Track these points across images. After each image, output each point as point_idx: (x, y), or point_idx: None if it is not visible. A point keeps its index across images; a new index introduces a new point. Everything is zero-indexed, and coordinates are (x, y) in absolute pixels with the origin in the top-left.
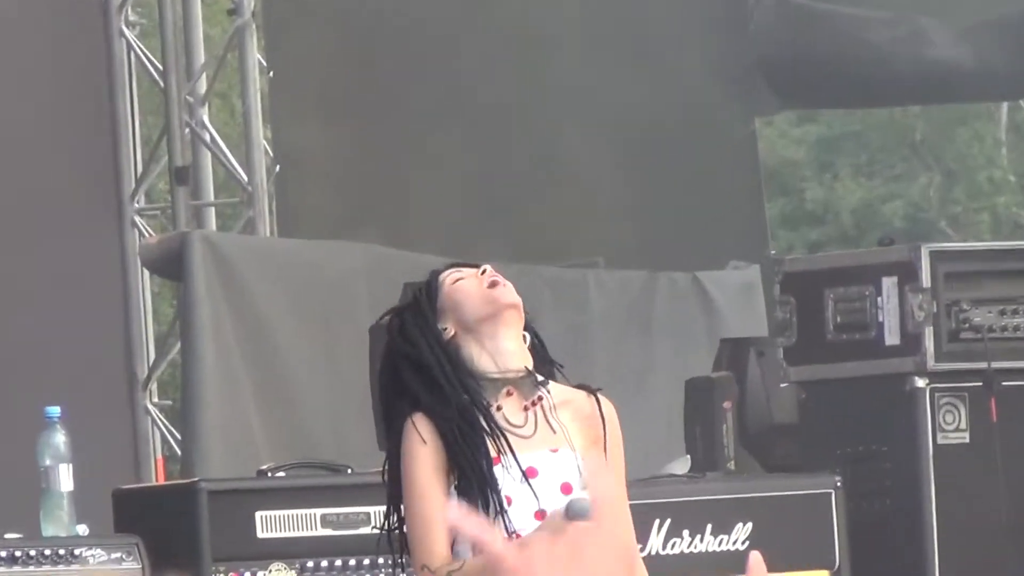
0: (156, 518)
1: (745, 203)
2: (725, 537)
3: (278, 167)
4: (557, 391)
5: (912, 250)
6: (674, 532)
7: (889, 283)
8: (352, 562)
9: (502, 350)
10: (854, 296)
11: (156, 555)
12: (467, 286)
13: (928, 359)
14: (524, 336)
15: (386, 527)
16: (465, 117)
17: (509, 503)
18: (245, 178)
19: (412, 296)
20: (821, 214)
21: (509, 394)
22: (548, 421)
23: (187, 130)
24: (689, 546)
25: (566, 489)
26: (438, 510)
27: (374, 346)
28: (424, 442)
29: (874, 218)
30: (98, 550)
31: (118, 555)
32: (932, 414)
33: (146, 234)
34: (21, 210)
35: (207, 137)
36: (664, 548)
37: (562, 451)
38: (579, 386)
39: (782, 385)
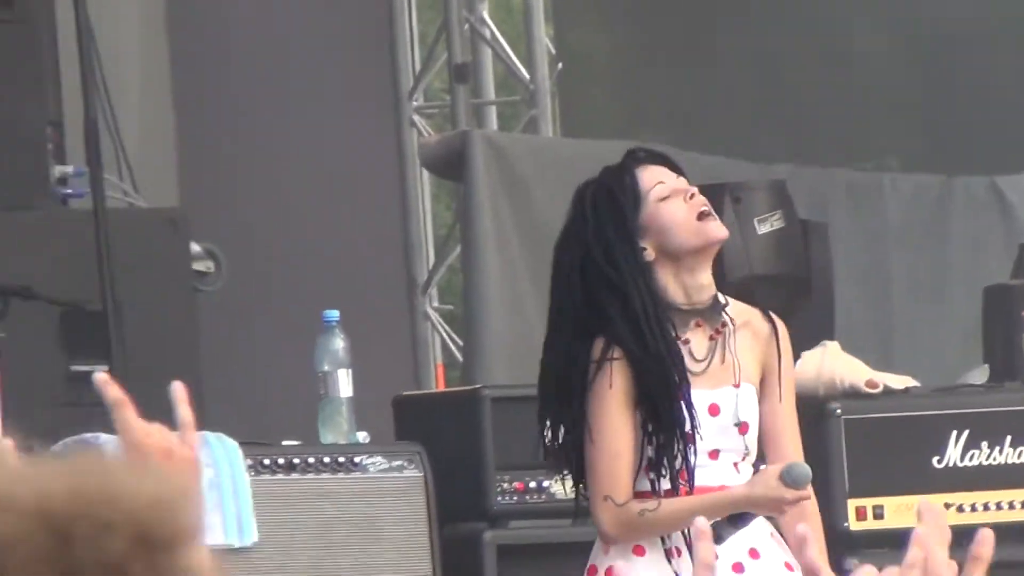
0: (437, 425)
1: None
2: None
3: (560, 65)
4: (736, 310)
5: None
6: (972, 444)
7: None
8: None
9: (698, 284)
10: None
11: (438, 463)
12: (676, 212)
13: None
14: None
15: (558, 439)
16: (751, 15)
17: (689, 441)
18: (527, 76)
19: (614, 204)
20: None
21: (698, 325)
22: (730, 350)
23: (466, 26)
24: (988, 458)
25: (743, 429)
26: (628, 445)
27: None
28: (620, 375)
29: None
30: (379, 458)
31: (399, 463)
32: None
33: (425, 133)
34: (297, 111)
35: (487, 34)
36: (962, 460)
37: (743, 387)
38: (751, 303)
39: None
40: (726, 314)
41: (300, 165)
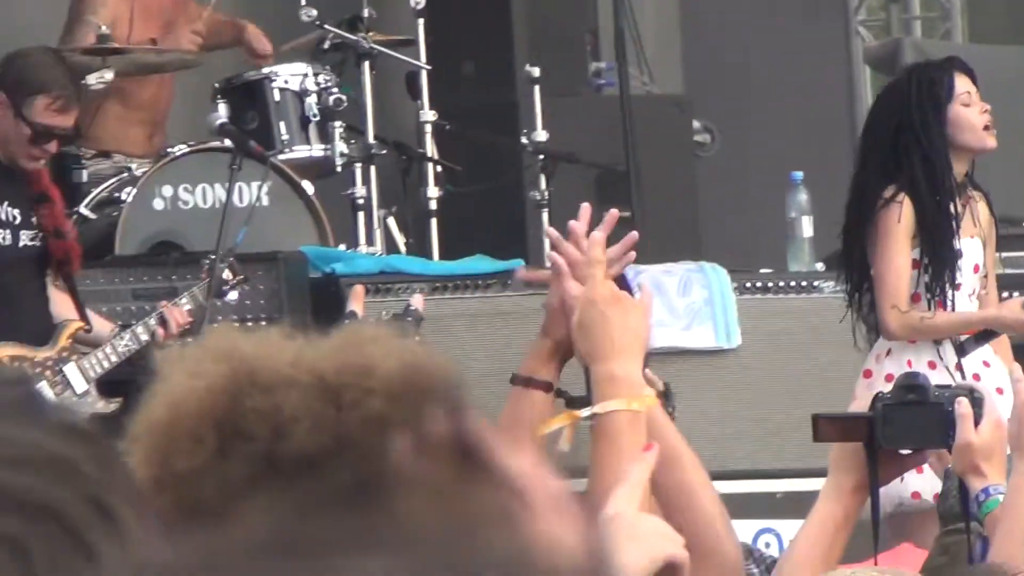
0: None
1: None
2: None
3: None
4: (975, 193)
5: None
6: None
7: None
8: None
9: (963, 169)
10: None
11: None
12: (972, 117)
13: None
14: None
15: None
16: None
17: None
18: None
19: (932, 93)
20: None
21: None
22: (972, 215)
23: None
24: None
25: (976, 269)
26: (908, 268)
27: None
28: (907, 214)
29: None
30: (831, 282)
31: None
32: None
33: (866, 40)
34: (771, 23)
35: None
36: None
37: (975, 239)
38: (977, 189)
39: None
40: (970, 192)
41: (774, 63)
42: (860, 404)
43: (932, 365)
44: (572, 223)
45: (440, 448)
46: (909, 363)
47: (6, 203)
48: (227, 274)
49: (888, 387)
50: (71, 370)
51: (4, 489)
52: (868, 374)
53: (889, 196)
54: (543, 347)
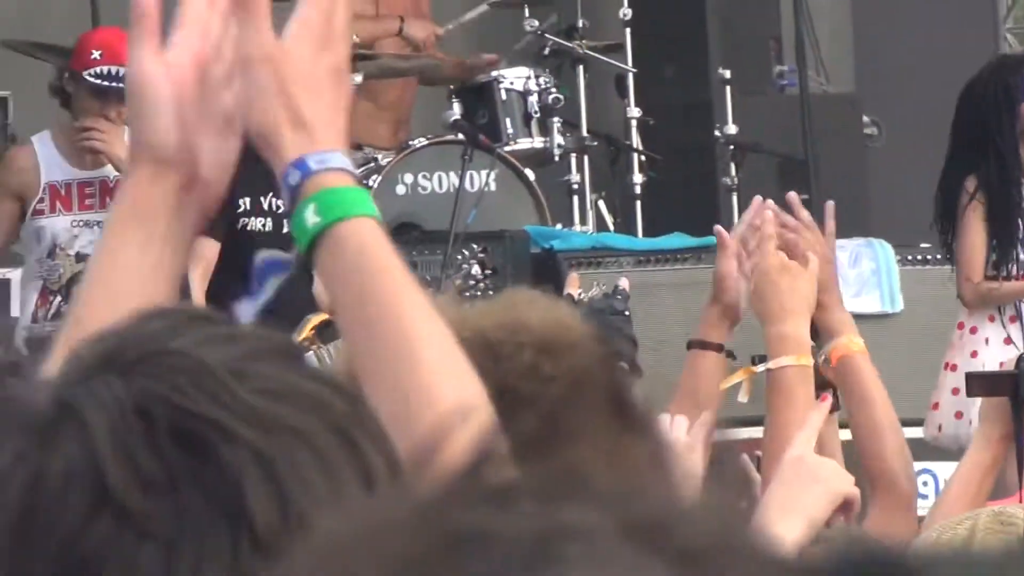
0: None
1: None
2: None
3: None
4: None
5: None
6: None
7: None
8: None
9: None
10: None
11: None
12: None
13: None
14: None
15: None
16: None
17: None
18: None
19: (1008, 93)
20: None
21: None
22: None
23: None
24: None
25: None
26: (983, 245)
27: None
28: (983, 207)
29: None
30: None
31: None
32: None
33: (1012, 45)
34: (925, 30)
35: None
36: None
37: None
38: None
39: None
40: None
41: (932, 65)
42: (954, 351)
43: (1013, 319)
44: (755, 209)
45: (595, 400)
46: (991, 318)
47: (271, 194)
48: (476, 269)
49: (972, 337)
50: (309, 359)
51: (258, 413)
52: (960, 326)
53: (972, 192)
54: (712, 313)
